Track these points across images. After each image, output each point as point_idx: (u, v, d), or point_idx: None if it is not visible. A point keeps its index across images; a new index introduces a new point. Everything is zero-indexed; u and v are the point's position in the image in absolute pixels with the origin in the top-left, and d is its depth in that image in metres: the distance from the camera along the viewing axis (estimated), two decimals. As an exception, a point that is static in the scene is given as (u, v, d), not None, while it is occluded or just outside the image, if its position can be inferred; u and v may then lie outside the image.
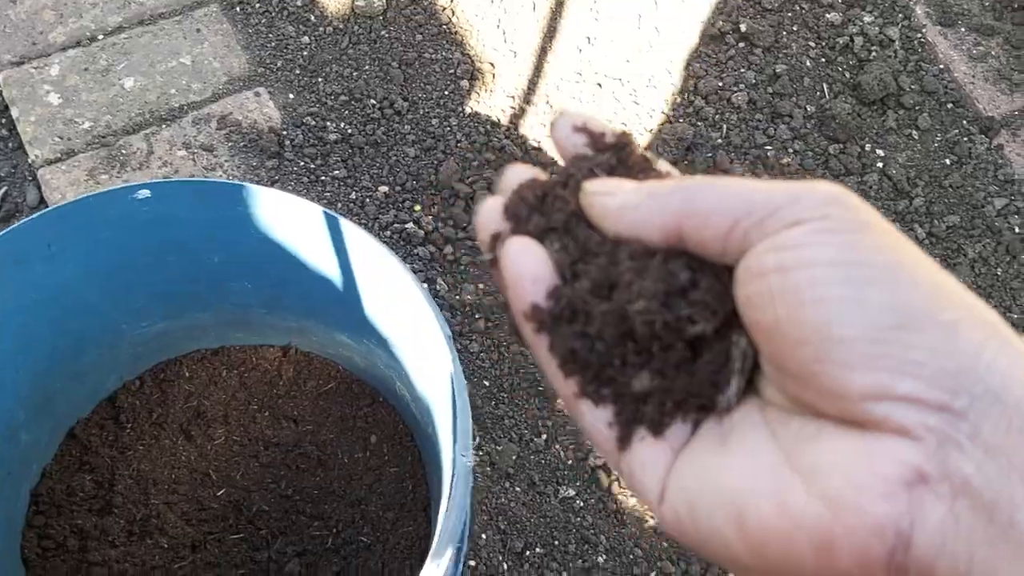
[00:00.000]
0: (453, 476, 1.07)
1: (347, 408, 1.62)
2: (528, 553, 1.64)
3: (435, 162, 1.94)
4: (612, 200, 0.37)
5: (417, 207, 1.90)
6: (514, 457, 1.71)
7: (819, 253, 0.31)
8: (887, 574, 0.29)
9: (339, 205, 1.89)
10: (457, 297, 1.83)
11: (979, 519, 0.28)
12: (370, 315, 1.38)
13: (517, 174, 0.42)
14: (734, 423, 0.35)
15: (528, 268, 0.38)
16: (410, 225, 1.87)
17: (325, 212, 1.22)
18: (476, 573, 1.62)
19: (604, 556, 1.65)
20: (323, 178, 1.92)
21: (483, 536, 1.66)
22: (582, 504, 1.69)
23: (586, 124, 0.42)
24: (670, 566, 1.64)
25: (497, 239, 0.41)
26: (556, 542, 1.66)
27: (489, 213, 0.41)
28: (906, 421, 0.29)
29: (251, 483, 1.57)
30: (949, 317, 0.29)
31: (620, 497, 1.70)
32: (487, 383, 1.77)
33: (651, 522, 1.68)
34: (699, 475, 0.34)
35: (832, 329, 0.30)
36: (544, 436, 1.73)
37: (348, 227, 1.23)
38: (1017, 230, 1.95)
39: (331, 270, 1.34)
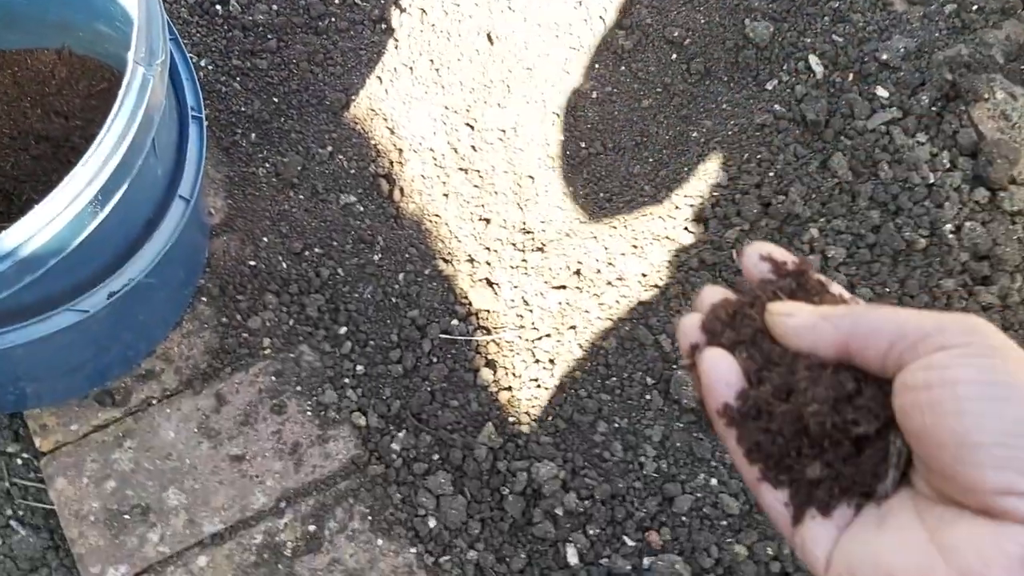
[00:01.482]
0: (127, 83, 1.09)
1: (118, 106, 1.64)
2: (307, 253, 1.70)
3: None
4: (792, 320, 0.44)
5: (213, -71, 1.87)
6: (299, 168, 1.75)
7: (961, 374, 0.38)
8: None
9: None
10: (250, 18, 1.83)
11: None
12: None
13: (711, 294, 0.50)
14: (890, 508, 0.42)
15: (721, 374, 0.46)
16: (204, -55, 1.85)
17: None
18: (256, 270, 1.68)
19: (380, 255, 1.71)
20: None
21: (264, 239, 1.71)
22: (362, 209, 1.73)
23: (771, 254, 0.50)
24: (442, 264, 1.71)
25: (695, 349, 0.48)
26: (335, 243, 1.71)
27: (688, 327, 0.49)
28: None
29: (22, 174, 1.60)
30: None
31: (401, 204, 1.74)
32: (276, 99, 1.79)
33: (427, 226, 1.73)
34: (859, 550, 0.41)
35: (970, 436, 0.37)
36: (329, 148, 1.77)
37: None
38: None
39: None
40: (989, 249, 1.69)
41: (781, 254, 0.50)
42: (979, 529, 0.37)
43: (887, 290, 1.68)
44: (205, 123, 1.41)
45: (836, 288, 0.48)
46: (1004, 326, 1.66)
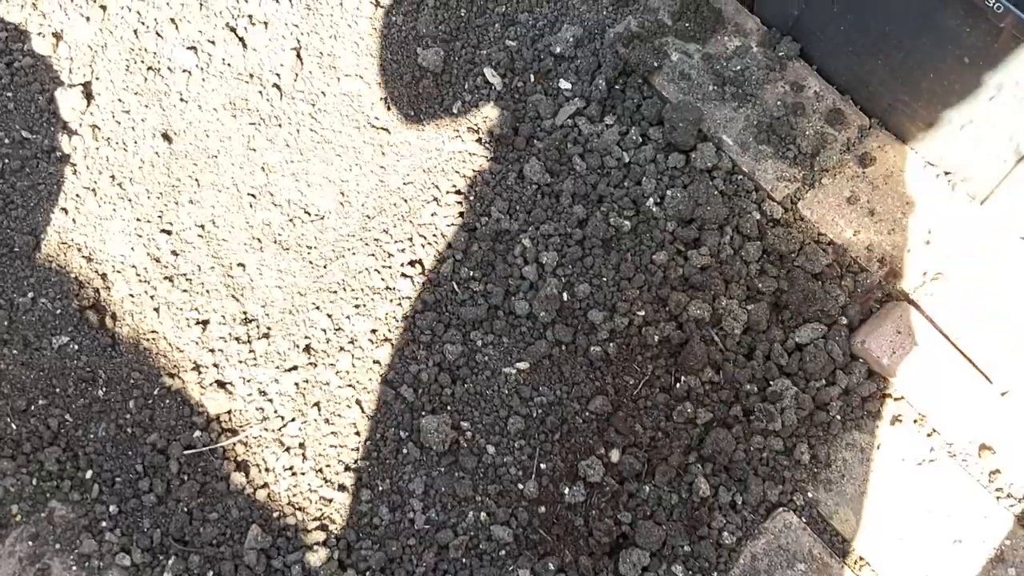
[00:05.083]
0: None
1: None
2: (32, 407, 1.65)
3: None
4: None
5: None
6: (5, 323, 1.69)
7: None
8: None
9: None
10: (-83, 183, 1.76)
11: None
12: None
13: None
14: None
15: None
16: None
17: None
18: (-15, 442, 1.63)
19: (104, 389, 1.67)
20: None
21: (-13, 406, 1.65)
22: (77, 347, 1.69)
23: None
24: (168, 379, 1.67)
25: None
26: (57, 390, 1.66)
27: None
28: None
29: None
30: None
31: (115, 330, 1.70)
32: (-35, 259, 1.73)
33: (145, 345, 1.70)
34: None
35: None
36: (30, 294, 1.71)
37: None
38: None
39: None
40: (693, 211, 1.73)
41: None
42: None
43: (604, 279, 1.70)
44: None
45: None
46: (725, 279, 1.70)
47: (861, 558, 1.58)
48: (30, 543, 1.59)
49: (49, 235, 1.75)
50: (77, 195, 1.77)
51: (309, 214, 1.78)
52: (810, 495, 1.62)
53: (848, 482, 1.62)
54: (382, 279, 1.73)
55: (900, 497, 1.60)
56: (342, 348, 1.69)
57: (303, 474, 1.62)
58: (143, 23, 1.88)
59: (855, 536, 1.59)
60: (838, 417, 1.64)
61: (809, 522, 1.60)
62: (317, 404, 1.66)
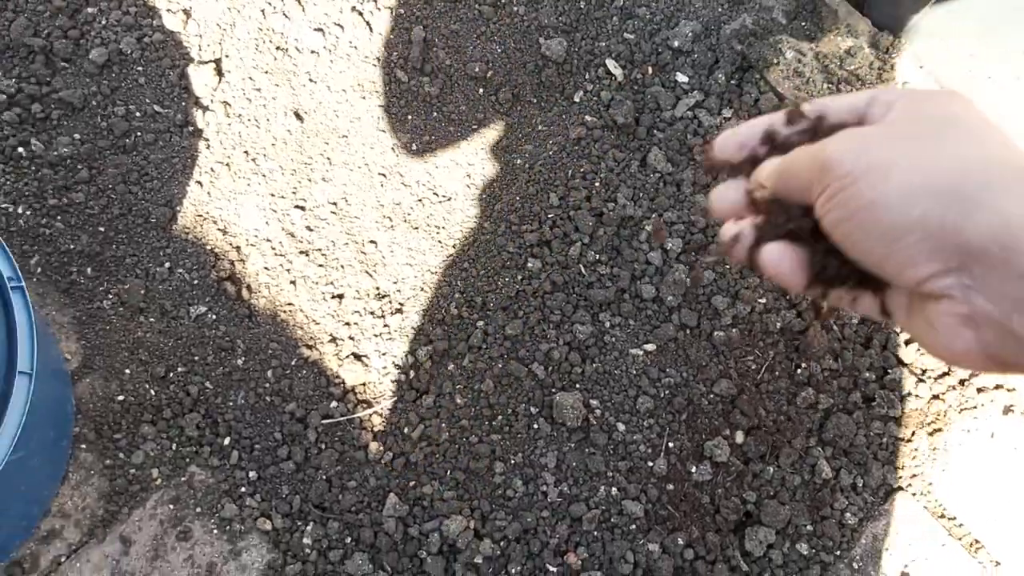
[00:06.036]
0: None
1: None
2: (171, 375, 1.69)
3: (5, 23, 1.85)
4: (759, 193, 0.56)
5: (-8, 72, 1.82)
6: (142, 291, 1.73)
7: (833, 215, 0.47)
8: (988, 363, 0.45)
9: (-94, 88, 1.80)
10: (55, 153, 1.79)
11: (1008, 339, 0.43)
12: None
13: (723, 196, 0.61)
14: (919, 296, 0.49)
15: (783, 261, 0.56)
16: (-13, 92, 1.80)
17: None
18: (126, 405, 1.66)
19: (243, 358, 1.71)
20: None
21: (127, 371, 1.69)
22: (215, 317, 1.73)
23: (741, 131, 0.60)
24: (306, 351, 1.72)
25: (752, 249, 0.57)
26: (196, 358, 1.70)
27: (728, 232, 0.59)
28: (942, 287, 0.44)
29: None
30: (918, 215, 0.44)
31: (252, 302, 1.74)
32: (102, 229, 1.76)
33: (283, 316, 1.74)
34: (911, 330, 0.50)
35: (869, 259, 0.47)
36: (167, 264, 1.75)
37: None
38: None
39: None
40: (811, 204, 1.79)
41: (750, 127, 0.59)
42: (931, 309, 0.46)
43: (727, 266, 1.76)
44: (27, 290, 1.38)
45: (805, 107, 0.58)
46: (841, 272, 1.77)
47: (976, 541, 1.65)
48: (171, 506, 1.63)
49: (185, 207, 1.78)
50: (211, 169, 1.81)
51: (437, 195, 1.83)
52: (928, 480, 1.68)
53: (963, 469, 1.69)
54: (511, 258, 1.78)
55: (1014, 484, 1.67)
56: (473, 324, 1.74)
57: (438, 444, 1.67)
58: (270, 4, 1.92)
59: (971, 521, 1.66)
60: (953, 406, 1.71)
61: (927, 506, 1.67)
62: (451, 378, 1.71)
